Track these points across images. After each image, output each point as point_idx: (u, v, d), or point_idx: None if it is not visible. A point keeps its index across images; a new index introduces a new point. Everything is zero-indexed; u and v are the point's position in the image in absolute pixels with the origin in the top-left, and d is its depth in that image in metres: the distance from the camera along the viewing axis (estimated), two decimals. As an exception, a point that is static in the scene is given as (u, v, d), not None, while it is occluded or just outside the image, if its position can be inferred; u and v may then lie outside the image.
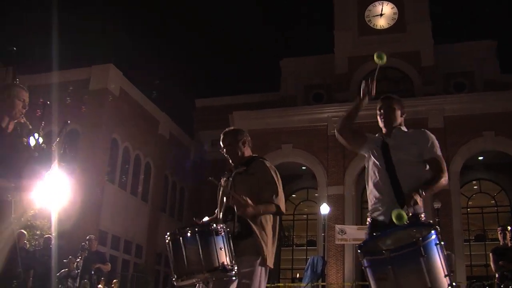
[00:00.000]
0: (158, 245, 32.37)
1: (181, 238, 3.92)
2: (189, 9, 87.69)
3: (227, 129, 4.96)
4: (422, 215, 4.36)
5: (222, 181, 4.88)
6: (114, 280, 20.77)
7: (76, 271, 12.83)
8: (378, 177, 4.58)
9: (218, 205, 4.70)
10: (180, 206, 38.72)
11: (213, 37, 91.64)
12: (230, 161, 4.85)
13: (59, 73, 27.67)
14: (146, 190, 34.07)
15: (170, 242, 3.99)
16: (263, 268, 4.40)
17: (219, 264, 3.83)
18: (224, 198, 4.59)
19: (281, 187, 4.62)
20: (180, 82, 73.52)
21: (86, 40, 71.48)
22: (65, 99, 26.20)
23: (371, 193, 4.64)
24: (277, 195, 4.51)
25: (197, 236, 3.87)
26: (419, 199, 4.14)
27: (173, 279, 3.94)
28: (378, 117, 4.79)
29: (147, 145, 33.87)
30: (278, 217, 4.66)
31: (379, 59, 4.60)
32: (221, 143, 4.87)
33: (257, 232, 4.38)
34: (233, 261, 3.93)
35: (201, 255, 3.81)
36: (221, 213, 4.56)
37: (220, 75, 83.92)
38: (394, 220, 3.86)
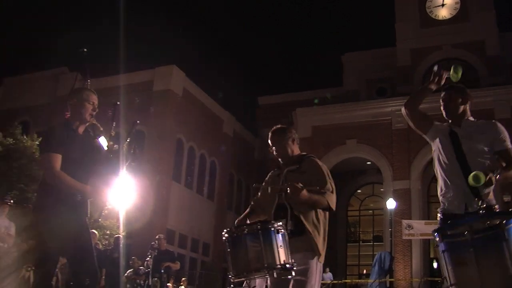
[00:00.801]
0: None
1: (243, 235, 3.94)
2: (249, 7, 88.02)
3: (274, 127, 4.91)
4: (496, 207, 4.23)
5: (270, 177, 4.92)
6: (183, 278, 21.05)
7: (146, 270, 13.03)
8: (448, 168, 4.45)
9: (268, 202, 4.71)
10: (246, 204, 38.75)
11: (274, 34, 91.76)
12: (279, 159, 4.84)
13: (124, 75, 28.17)
14: (211, 188, 34.43)
15: (230, 239, 4.02)
16: (319, 265, 4.42)
17: (280, 262, 3.84)
18: (276, 196, 4.59)
19: (333, 184, 4.59)
20: (242, 81, 73.82)
21: (148, 42, 72.54)
22: (132, 100, 26.59)
23: (441, 185, 4.50)
24: (330, 191, 4.50)
25: (260, 234, 3.87)
26: (491, 192, 4.00)
27: (231, 276, 3.95)
28: (442, 109, 4.71)
29: (212, 144, 34.18)
30: (327, 214, 4.63)
31: (456, 74, 4.51)
32: (269, 141, 4.86)
33: (310, 229, 4.39)
34: (292, 259, 3.94)
35: (263, 253, 3.82)
36: (272, 211, 4.58)
37: (282, 72, 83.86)
38: (470, 181, 3.80)
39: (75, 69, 30.07)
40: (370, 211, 35.93)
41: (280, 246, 3.88)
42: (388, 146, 29.89)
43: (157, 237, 13.64)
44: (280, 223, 4.00)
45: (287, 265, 3.85)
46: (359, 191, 36.02)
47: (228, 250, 4.01)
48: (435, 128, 4.69)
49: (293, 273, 3.90)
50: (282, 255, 3.87)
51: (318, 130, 31.03)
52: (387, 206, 26.96)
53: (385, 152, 30.04)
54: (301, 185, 4.22)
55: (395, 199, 27.12)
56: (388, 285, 24.12)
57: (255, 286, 4.31)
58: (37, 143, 17.80)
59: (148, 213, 25.13)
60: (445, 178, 4.47)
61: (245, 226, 4.02)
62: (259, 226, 3.91)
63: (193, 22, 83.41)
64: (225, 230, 4.07)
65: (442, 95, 4.71)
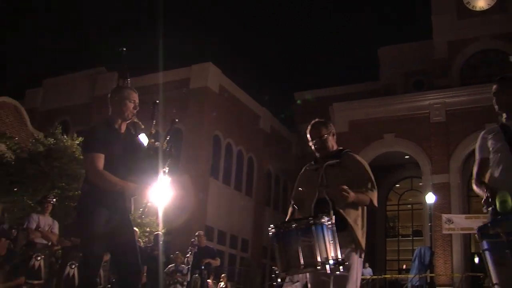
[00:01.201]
0: (263, 239, 32.61)
1: (294, 230, 3.91)
2: (282, 3, 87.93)
3: (314, 121, 4.85)
4: None
5: (305, 171, 4.87)
6: (223, 275, 21.14)
7: (186, 267, 13.07)
8: (501, 162, 4.17)
9: (307, 197, 4.65)
10: (284, 200, 38.86)
11: (311, 30, 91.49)
12: (317, 153, 4.78)
13: (161, 74, 28.33)
14: (249, 185, 34.47)
15: (277, 234, 3.99)
16: (359, 260, 4.41)
17: (332, 257, 3.84)
18: (317, 190, 4.55)
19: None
20: (278, 76, 73.81)
21: (185, 40, 72.91)
22: (169, 98, 26.69)
23: (492, 180, 4.19)
24: (373, 187, 4.49)
25: (313, 229, 3.86)
26: None
27: (278, 271, 3.95)
28: (494, 102, 4.40)
29: (249, 140, 34.22)
30: (366, 210, 4.58)
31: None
32: (308, 135, 4.80)
33: (351, 224, 4.37)
34: (343, 254, 3.94)
35: (316, 248, 3.81)
36: (312, 205, 4.53)
37: (317, 67, 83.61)
38: (497, 205, 3.59)
39: (113, 69, 30.47)
40: (409, 206, 35.63)
41: (331, 241, 3.88)
42: (427, 140, 29.56)
43: (196, 233, 13.67)
44: (329, 219, 3.98)
45: (339, 260, 3.85)
46: (397, 185, 35.75)
47: (276, 245, 3.99)
48: (487, 148, 4.36)
49: (341, 268, 3.89)
50: (333, 250, 3.87)
51: (355, 124, 30.86)
52: (426, 200, 26.69)
53: (423, 145, 29.73)
54: (346, 188, 4.19)
55: (434, 193, 26.82)
56: (428, 280, 23.93)
57: (298, 281, 4.31)
58: (77, 142, 17.99)
59: (187, 210, 25.24)
60: (496, 173, 4.19)
61: (293, 221, 3.99)
62: (311, 221, 3.90)
63: (228, 19, 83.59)
64: (271, 225, 4.05)
65: (493, 88, 4.39)
